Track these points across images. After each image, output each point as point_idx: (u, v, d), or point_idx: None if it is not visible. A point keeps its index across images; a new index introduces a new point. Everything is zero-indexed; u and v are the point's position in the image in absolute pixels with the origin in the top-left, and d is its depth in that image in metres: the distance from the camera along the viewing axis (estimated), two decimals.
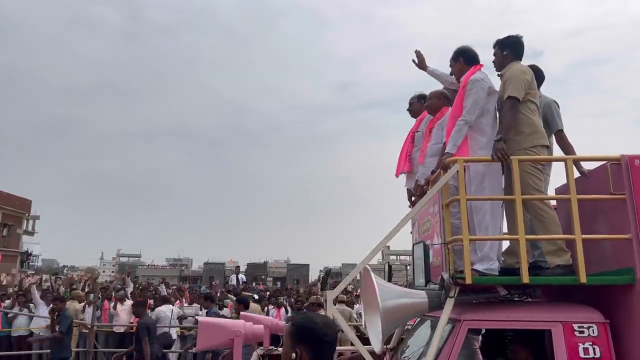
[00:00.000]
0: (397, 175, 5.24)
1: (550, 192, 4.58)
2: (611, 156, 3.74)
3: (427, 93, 5.05)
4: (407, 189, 5.05)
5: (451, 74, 4.45)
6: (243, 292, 12.74)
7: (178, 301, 11.81)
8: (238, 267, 23.29)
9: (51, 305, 9.05)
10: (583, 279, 3.50)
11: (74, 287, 13.08)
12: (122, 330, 10.83)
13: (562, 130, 4.45)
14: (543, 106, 4.49)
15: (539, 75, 4.73)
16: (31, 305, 11.34)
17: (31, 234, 47.93)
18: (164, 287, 13.81)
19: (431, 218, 4.17)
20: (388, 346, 4.91)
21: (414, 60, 4.92)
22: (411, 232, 5.08)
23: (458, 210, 4.01)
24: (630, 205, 3.57)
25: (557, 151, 4.52)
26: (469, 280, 3.48)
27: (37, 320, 10.90)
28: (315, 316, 2.19)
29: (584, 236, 3.58)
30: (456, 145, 3.90)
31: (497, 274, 3.75)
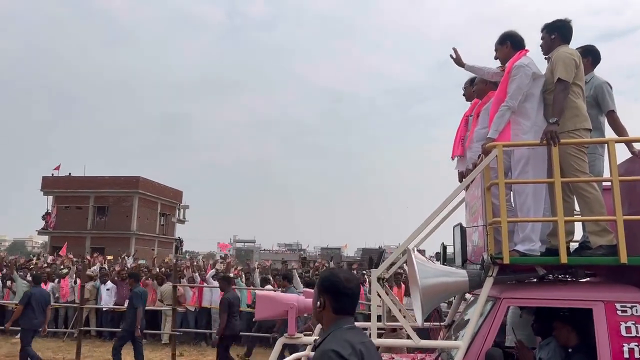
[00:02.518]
0: (452, 158, 5.39)
1: (606, 172, 4.57)
2: None
3: None
4: (459, 171, 5.20)
5: (496, 57, 4.52)
6: None
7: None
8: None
9: None
10: (624, 259, 3.55)
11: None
12: None
13: (613, 111, 4.42)
14: (595, 87, 4.48)
15: (595, 55, 4.69)
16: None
17: (182, 222, 50.92)
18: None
19: (477, 201, 4.33)
20: (443, 323, 5.15)
21: (451, 56, 4.96)
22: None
23: (505, 193, 4.16)
24: None
25: (609, 132, 4.50)
26: (506, 260, 3.64)
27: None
28: (338, 271, 2.48)
29: (624, 217, 3.61)
30: (498, 130, 4.03)
31: (539, 254, 3.87)
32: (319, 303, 2.35)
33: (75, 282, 13.26)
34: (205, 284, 12.48)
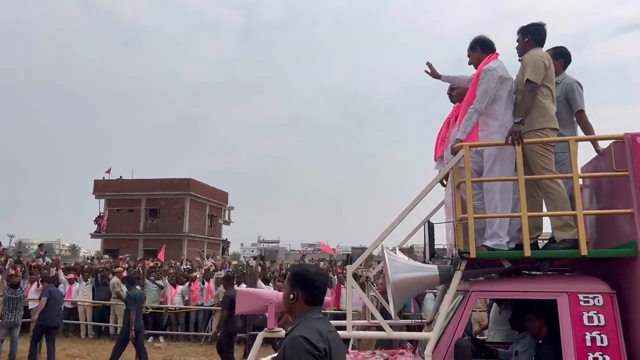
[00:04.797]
0: (435, 160, 5.58)
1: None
2: (615, 135, 3.89)
3: None
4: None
5: (470, 63, 4.70)
6: None
7: None
8: None
9: None
10: (584, 251, 3.72)
11: None
12: None
13: (582, 111, 4.60)
14: (565, 86, 4.66)
15: (567, 57, 4.88)
16: None
17: (228, 223, 50.87)
18: None
19: (451, 199, 4.52)
20: (425, 320, 5.34)
21: (426, 71, 5.07)
22: None
23: (478, 191, 4.36)
24: (633, 181, 3.72)
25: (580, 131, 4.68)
26: (473, 255, 3.82)
27: None
28: (308, 266, 2.74)
29: (584, 212, 3.79)
30: (466, 132, 4.22)
31: (506, 249, 4.05)
32: (291, 296, 2.56)
33: (203, 284, 13.36)
34: (343, 286, 12.38)
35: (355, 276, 4.26)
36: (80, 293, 13.41)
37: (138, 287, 10.13)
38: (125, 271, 13.77)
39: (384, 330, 4.00)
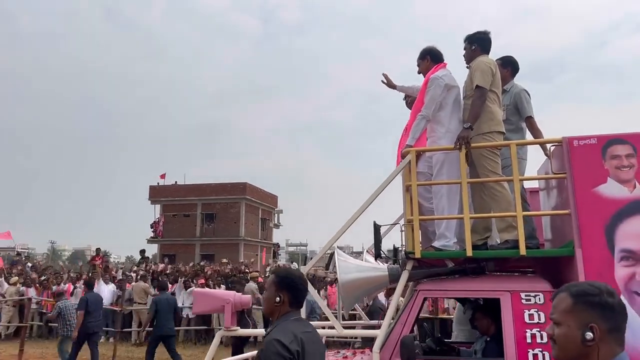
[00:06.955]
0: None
1: (530, 172, 4.92)
2: (555, 139, 4.04)
3: None
4: None
5: (419, 72, 4.88)
6: None
7: None
8: None
9: None
10: (523, 251, 3.87)
11: None
12: None
13: (531, 117, 4.75)
14: (514, 95, 4.82)
15: (514, 66, 5.03)
16: None
17: (278, 226, 51.43)
18: None
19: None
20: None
21: (383, 82, 5.23)
22: None
23: (431, 195, 4.52)
24: (570, 183, 3.86)
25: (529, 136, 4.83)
26: (418, 255, 3.99)
27: None
28: (293, 270, 2.87)
29: (524, 213, 3.94)
30: (415, 138, 4.39)
31: (454, 249, 4.20)
32: (278, 299, 2.62)
33: None
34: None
35: (316, 277, 4.45)
36: None
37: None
38: (260, 277, 13.95)
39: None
